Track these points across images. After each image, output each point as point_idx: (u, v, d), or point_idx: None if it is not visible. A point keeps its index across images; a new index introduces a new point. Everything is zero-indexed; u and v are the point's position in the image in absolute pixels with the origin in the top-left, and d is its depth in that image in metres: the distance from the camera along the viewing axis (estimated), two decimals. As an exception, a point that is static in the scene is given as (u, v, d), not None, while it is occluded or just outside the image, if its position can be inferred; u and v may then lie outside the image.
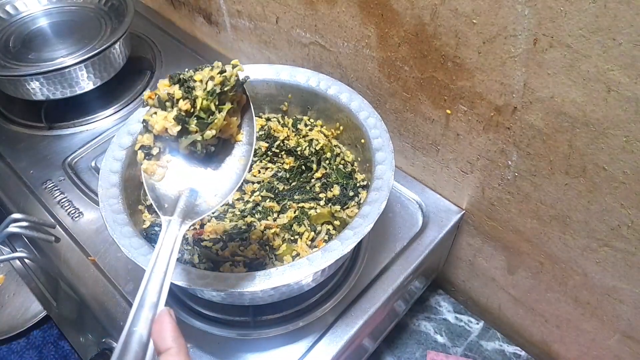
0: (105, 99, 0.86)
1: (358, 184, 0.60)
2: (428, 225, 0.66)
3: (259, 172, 0.62)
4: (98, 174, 0.54)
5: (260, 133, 0.65)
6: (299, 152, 0.62)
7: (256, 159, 0.63)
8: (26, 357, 0.92)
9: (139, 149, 0.43)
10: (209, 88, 0.41)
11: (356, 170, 0.62)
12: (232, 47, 0.92)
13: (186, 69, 0.44)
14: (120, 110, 0.85)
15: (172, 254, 0.36)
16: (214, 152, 0.43)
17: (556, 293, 0.63)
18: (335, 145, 0.64)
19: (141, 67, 0.93)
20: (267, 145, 0.63)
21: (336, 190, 0.59)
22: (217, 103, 0.41)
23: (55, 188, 0.72)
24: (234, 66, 0.44)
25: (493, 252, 0.68)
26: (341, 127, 0.63)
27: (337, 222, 0.57)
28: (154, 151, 0.43)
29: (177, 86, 0.41)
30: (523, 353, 0.72)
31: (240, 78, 0.44)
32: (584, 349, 0.65)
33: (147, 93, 0.43)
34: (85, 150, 0.77)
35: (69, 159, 0.76)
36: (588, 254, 0.55)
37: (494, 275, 0.71)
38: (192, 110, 0.41)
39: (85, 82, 0.82)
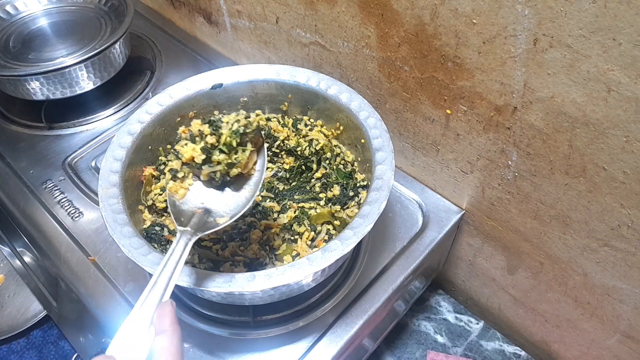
0: (105, 99, 0.86)
1: (358, 184, 0.60)
2: (428, 225, 0.66)
3: (259, 172, 0.63)
4: (98, 173, 0.55)
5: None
6: (299, 152, 0.62)
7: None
8: (26, 357, 0.92)
9: (168, 171, 0.50)
10: (234, 128, 0.48)
11: (356, 170, 0.62)
12: (232, 47, 0.92)
13: (215, 112, 0.60)
14: (121, 110, 0.85)
15: (181, 258, 0.42)
16: (229, 180, 0.50)
17: (556, 293, 0.63)
18: (335, 145, 0.64)
19: (141, 67, 0.93)
20: (267, 145, 0.63)
21: (336, 190, 0.59)
22: (238, 141, 0.48)
23: (55, 188, 0.72)
24: (257, 114, 0.59)
25: (493, 252, 0.68)
26: (341, 127, 0.63)
27: (337, 222, 0.57)
28: (180, 174, 0.50)
29: (207, 125, 0.49)
30: (523, 353, 0.72)
31: (260, 124, 0.54)
32: (584, 348, 0.65)
33: (182, 128, 0.52)
34: (85, 150, 0.77)
35: (69, 158, 0.76)
36: (588, 254, 0.55)
37: (494, 275, 0.71)
38: (216, 144, 0.48)
39: (85, 82, 0.81)
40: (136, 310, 0.38)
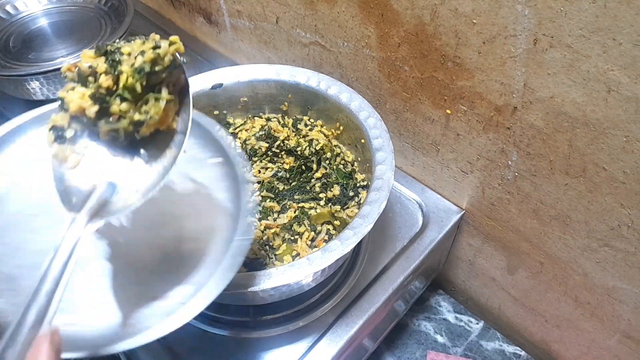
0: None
1: (358, 184, 0.60)
2: (428, 225, 0.66)
3: (259, 172, 0.62)
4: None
5: (261, 133, 0.65)
6: (299, 152, 0.62)
7: (256, 158, 0.63)
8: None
9: (50, 130, 0.36)
10: (137, 64, 0.34)
11: (356, 170, 0.62)
12: (232, 47, 0.91)
13: (116, 40, 0.38)
14: (120, 110, 0.85)
15: (69, 258, 0.30)
16: (139, 140, 0.37)
17: (556, 293, 0.63)
18: (335, 145, 0.64)
19: (141, 67, 0.93)
20: (267, 145, 0.63)
21: (336, 190, 0.59)
22: (144, 83, 0.35)
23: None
24: (171, 43, 0.36)
25: (493, 252, 0.68)
26: (341, 127, 0.63)
27: (337, 222, 0.57)
28: (68, 134, 0.36)
29: (102, 59, 0.35)
30: (523, 353, 0.72)
31: (180, 60, 0.37)
32: (583, 348, 0.65)
33: (66, 64, 0.36)
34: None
35: (69, 159, 0.76)
36: (588, 254, 0.55)
37: (494, 275, 0.71)
38: (114, 88, 0.35)
39: (86, 82, 0.81)
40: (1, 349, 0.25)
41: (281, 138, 0.63)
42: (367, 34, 0.62)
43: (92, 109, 0.35)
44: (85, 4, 0.93)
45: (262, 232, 0.55)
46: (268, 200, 0.59)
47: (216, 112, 0.66)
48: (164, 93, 0.35)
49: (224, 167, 0.46)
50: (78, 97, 0.35)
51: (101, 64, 0.35)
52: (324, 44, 0.70)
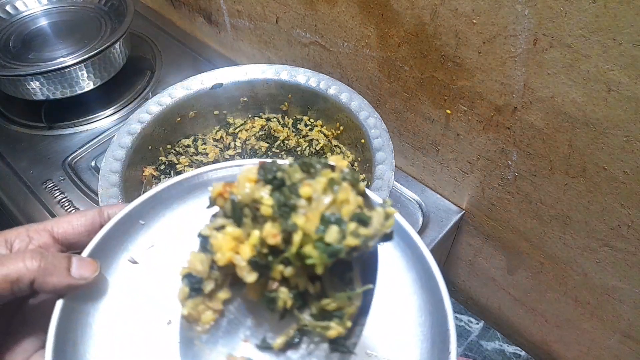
0: (106, 99, 0.86)
1: (358, 184, 0.60)
2: (428, 225, 0.66)
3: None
4: (98, 174, 0.54)
5: (261, 133, 0.65)
6: (299, 153, 0.62)
7: (256, 159, 0.63)
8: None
9: (185, 276, 0.27)
10: (331, 239, 0.24)
11: (356, 170, 0.62)
12: (232, 47, 0.91)
13: (289, 163, 0.26)
14: (121, 110, 0.85)
15: None
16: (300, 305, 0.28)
17: (556, 293, 0.63)
18: (335, 145, 0.64)
19: (141, 67, 0.93)
20: (267, 145, 0.63)
21: (336, 190, 0.59)
22: (326, 246, 0.24)
23: (55, 188, 0.72)
24: (387, 216, 0.25)
25: (493, 252, 0.68)
26: (341, 127, 0.63)
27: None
28: (207, 287, 0.27)
29: (268, 190, 0.25)
30: (523, 353, 0.72)
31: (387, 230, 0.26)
32: (584, 348, 0.65)
33: (218, 187, 0.26)
34: (85, 150, 0.77)
35: (69, 159, 0.76)
36: (588, 253, 0.55)
37: (494, 275, 0.71)
38: (282, 247, 0.25)
39: (86, 82, 0.81)
40: None
41: (281, 138, 0.63)
42: (367, 34, 0.62)
43: (250, 277, 0.25)
44: (85, 3, 0.93)
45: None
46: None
47: (216, 112, 0.66)
48: (359, 288, 0.26)
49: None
50: (229, 247, 0.25)
51: (266, 201, 0.24)
52: (324, 44, 0.70)
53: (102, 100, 0.85)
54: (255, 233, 0.25)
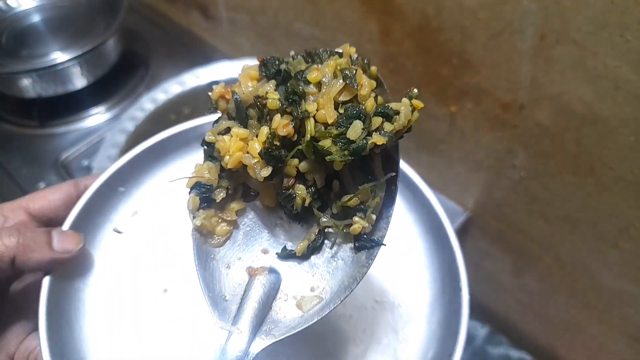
0: (99, 96, 0.85)
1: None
2: (432, 227, 0.65)
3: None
4: (91, 173, 0.53)
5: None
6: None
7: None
8: None
9: (193, 187, 0.26)
10: (354, 136, 0.23)
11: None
12: (229, 41, 0.90)
13: (292, 53, 0.25)
14: (114, 107, 0.84)
15: None
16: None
17: (564, 296, 0.62)
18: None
19: (135, 63, 0.92)
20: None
21: (337, 190, 0.58)
22: (348, 143, 0.23)
23: (48, 188, 0.71)
24: (414, 108, 0.26)
25: (499, 254, 0.67)
26: (342, 126, 0.62)
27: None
28: (218, 196, 0.26)
29: (273, 84, 0.24)
30: (529, 358, 0.71)
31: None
32: (591, 353, 0.64)
33: (218, 89, 0.25)
34: (79, 150, 0.76)
35: (62, 158, 0.75)
36: (596, 256, 0.54)
37: (500, 279, 0.70)
38: (294, 137, 0.24)
39: (78, 80, 0.81)
40: None
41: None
42: (368, 29, 0.61)
43: (263, 172, 0.23)
44: (78, -1, 0.92)
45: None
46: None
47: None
48: (381, 178, 0.25)
49: None
50: (237, 148, 0.23)
51: (272, 95, 0.23)
52: (324, 39, 0.69)
53: (95, 98, 0.85)
54: (264, 129, 0.23)
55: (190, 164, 0.26)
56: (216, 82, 0.63)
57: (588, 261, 0.56)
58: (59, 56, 0.78)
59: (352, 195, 0.25)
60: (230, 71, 0.63)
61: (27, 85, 0.77)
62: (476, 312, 0.77)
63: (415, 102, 0.26)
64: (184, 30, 0.99)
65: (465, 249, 0.72)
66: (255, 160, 0.23)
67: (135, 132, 0.58)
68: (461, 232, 0.69)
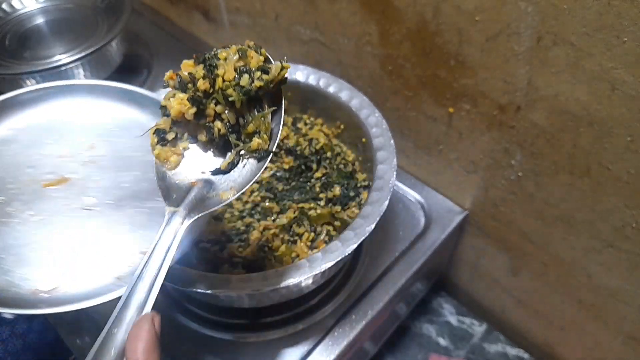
0: (102, 98, 0.85)
1: (359, 184, 0.59)
2: (430, 226, 0.65)
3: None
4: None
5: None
6: (298, 152, 0.61)
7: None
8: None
9: (153, 133, 0.39)
10: (244, 82, 0.38)
11: (357, 170, 0.61)
12: (231, 44, 0.91)
13: (215, 48, 0.40)
14: (117, 109, 0.84)
15: (169, 250, 0.34)
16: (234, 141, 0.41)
17: (560, 294, 0.62)
18: (335, 145, 0.63)
19: (138, 65, 0.92)
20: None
21: (337, 190, 0.58)
22: (244, 99, 0.38)
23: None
24: (282, 68, 0.40)
25: (496, 253, 0.67)
26: (342, 126, 0.62)
27: (337, 223, 0.56)
28: (170, 136, 0.39)
29: (201, 66, 0.38)
30: (526, 355, 0.71)
31: (282, 74, 0.40)
32: (587, 351, 0.65)
33: (168, 73, 0.39)
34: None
35: (65, 158, 0.75)
36: (592, 255, 0.55)
37: (497, 277, 0.70)
38: (211, 91, 0.38)
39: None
40: (105, 330, 0.31)
41: (280, 137, 0.62)
42: (368, 31, 0.62)
43: (190, 111, 0.38)
44: (82, 1, 0.92)
45: (261, 233, 0.55)
46: (267, 200, 0.59)
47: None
48: (267, 109, 0.39)
49: None
50: (177, 102, 0.38)
51: (199, 70, 0.38)
52: (324, 41, 0.69)
53: (99, 99, 0.85)
54: (190, 86, 0.38)
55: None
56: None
57: (584, 260, 0.56)
58: (62, 58, 0.78)
59: (250, 125, 0.38)
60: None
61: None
62: (473, 309, 0.77)
63: (284, 63, 0.40)
64: (186, 32, 1.00)
65: (463, 248, 0.73)
66: (187, 106, 0.38)
67: (138, 133, 0.58)
68: (459, 231, 0.69)
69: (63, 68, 0.77)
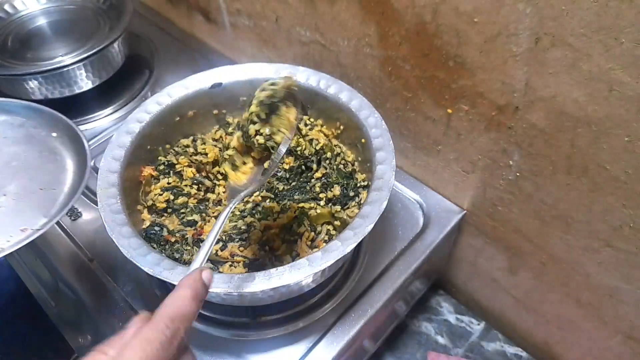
0: (104, 99, 0.86)
1: (358, 184, 0.60)
2: (429, 226, 0.65)
3: (259, 171, 0.63)
4: (97, 174, 0.54)
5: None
6: (299, 152, 0.62)
7: None
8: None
9: (225, 163, 0.51)
10: (262, 97, 0.48)
11: (357, 170, 0.62)
12: (232, 45, 0.91)
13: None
14: (119, 109, 0.85)
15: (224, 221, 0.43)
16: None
17: (558, 294, 0.62)
18: (335, 145, 0.63)
19: (140, 66, 0.93)
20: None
21: (336, 190, 0.59)
22: (266, 111, 0.48)
23: (54, 188, 0.71)
24: (285, 79, 0.50)
25: (494, 252, 0.68)
26: (341, 127, 0.63)
27: (337, 223, 0.56)
28: (238, 163, 0.50)
29: (238, 134, 0.50)
30: (524, 354, 0.72)
31: (295, 90, 0.49)
32: (585, 350, 0.65)
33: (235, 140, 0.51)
34: (84, 150, 0.77)
35: (68, 158, 0.76)
36: (590, 254, 0.55)
37: (496, 276, 0.70)
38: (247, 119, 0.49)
39: (84, 82, 0.81)
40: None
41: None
42: (367, 33, 0.62)
43: (241, 140, 0.50)
44: (84, 2, 0.92)
45: (262, 232, 0.55)
46: (268, 200, 0.59)
47: (215, 112, 0.66)
48: (283, 109, 0.48)
49: None
50: (235, 139, 0.50)
51: (237, 138, 0.50)
52: (324, 43, 0.70)
53: (101, 100, 0.85)
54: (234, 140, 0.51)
55: None
56: (219, 85, 0.64)
57: (582, 259, 0.56)
58: (64, 59, 0.78)
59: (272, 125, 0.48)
60: (232, 75, 0.64)
61: (33, 88, 0.78)
62: (472, 308, 0.77)
63: (287, 76, 0.50)
64: (188, 34, 1.00)
65: (462, 247, 0.73)
66: (238, 135, 0.50)
67: (140, 134, 0.58)
68: (457, 231, 0.70)
69: (65, 69, 0.77)
